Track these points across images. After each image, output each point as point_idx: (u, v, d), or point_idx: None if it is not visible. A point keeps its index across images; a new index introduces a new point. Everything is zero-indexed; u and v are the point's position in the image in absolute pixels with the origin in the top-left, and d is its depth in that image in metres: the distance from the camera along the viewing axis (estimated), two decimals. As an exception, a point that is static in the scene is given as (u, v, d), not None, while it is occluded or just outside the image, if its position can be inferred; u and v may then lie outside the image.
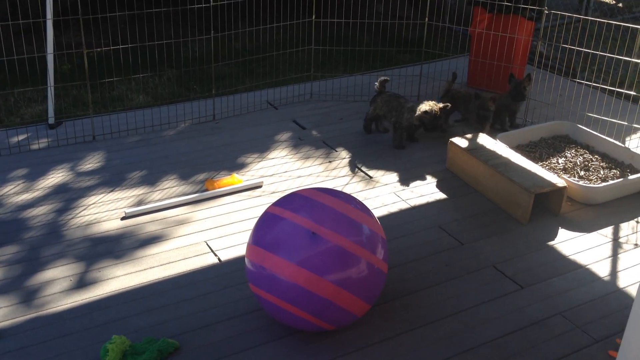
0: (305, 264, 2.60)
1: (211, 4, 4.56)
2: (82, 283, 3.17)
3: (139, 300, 3.08)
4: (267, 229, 2.75)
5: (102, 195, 3.89)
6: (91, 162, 4.24)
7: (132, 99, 5.30)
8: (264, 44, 6.17)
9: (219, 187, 3.94)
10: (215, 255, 3.41)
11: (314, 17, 5.08)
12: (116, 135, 4.57)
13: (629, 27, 4.64)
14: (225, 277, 3.24)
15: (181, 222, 3.66)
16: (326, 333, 2.88)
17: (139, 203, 3.81)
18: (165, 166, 4.22)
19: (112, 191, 3.93)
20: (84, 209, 3.74)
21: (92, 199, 3.84)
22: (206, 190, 3.95)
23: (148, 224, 3.64)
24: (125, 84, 5.42)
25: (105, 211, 3.73)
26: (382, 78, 4.65)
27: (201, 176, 4.11)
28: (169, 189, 3.97)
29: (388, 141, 4.62)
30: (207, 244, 3.49)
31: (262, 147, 4.52)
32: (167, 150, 4.43)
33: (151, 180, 4.06)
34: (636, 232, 3.69)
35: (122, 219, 3.67)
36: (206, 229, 3.62)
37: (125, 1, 4.68)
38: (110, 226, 3.60)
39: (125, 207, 3.77)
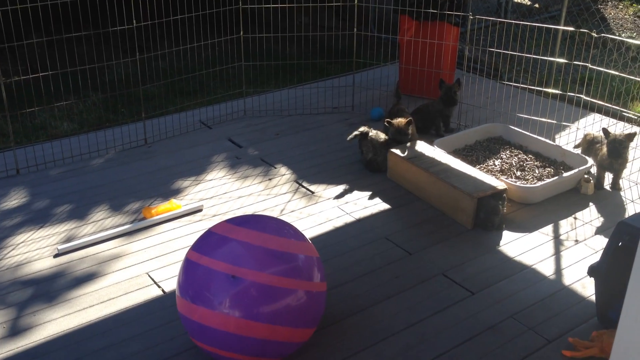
0: (231, 310, 2.52)
1: (134, 25, 4.39)
2: (16, 330, 2.96)
3: (80, 343, 2.89)
4: (188, 278, 2.64)
5: (30, 232, 3.66)
6: (16, 198, 3.99)
7: (55, 127, 5.05)
8: (192, 62, 6.02)
9: (157, 215, 3.79)
10: (159, 286, 3.26)
11: (242, 33, 4.99)
12: (42, 167, 4.33)
13: (547, 27, 4.79)
14: (171, 310, 3.09)
15: (119, 255, 3.49)
16: (282, 359, 2.79)
17: (72, 238, 3.61)
18: (96, 197, 4.02)
19: (41, 228, 3.70)
20: (12, 249, 3.51)
21: (21, 238, 3.61)
22: (144, 218, 3.78)
23: (83, 259, 3.45)
24: (48, 112, 5.16)
25: (35, 250, 3.51)
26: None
27: (137, 204, 3.94)
28: (103, 220, 3.78)
29: (327, 154, 4.58)
30: (149, 276, 3.33)
31: (199, 169, 4.38)
32: (97, 179, 4.23)
33: (82, 213, 3.86)
34: (575, 228, 3.78)
35: (55, 256, 3.46)
36: (147, 260, 3.46)
37: (41, 24, 4.46)
38: (42, 265, 3.39)
39: (57, 243, 3.56)
